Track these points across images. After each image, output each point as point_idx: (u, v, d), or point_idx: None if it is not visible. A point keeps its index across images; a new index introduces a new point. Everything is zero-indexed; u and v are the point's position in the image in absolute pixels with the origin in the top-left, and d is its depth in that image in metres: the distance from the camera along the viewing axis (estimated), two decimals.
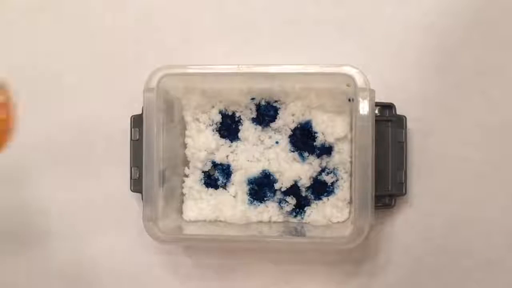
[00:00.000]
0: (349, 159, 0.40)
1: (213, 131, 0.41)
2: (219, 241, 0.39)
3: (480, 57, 0.42)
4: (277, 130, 0.41)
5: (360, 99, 0.36)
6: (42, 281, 0.43)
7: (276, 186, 0.40)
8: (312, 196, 0.41)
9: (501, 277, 0.41)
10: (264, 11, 0.43)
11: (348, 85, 0.38)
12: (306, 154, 0.40)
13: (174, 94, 0.40)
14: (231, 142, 0.41)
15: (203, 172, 0.41)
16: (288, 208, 0.41)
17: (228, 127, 0.41)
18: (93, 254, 0.43)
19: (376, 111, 0.39)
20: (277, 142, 0.41)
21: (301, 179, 0.40)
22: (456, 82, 0.42)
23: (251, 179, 0.41)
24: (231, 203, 0.41)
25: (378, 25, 0.42)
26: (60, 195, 0.43)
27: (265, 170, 0.41)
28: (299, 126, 0.41)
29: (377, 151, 0.37)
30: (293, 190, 0.41)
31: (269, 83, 0.40)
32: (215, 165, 0.41)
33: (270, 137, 0.41)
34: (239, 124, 0.41)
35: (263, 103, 0.41)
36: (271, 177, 0.41)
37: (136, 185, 0.40)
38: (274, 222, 0.41)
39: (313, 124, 0.40)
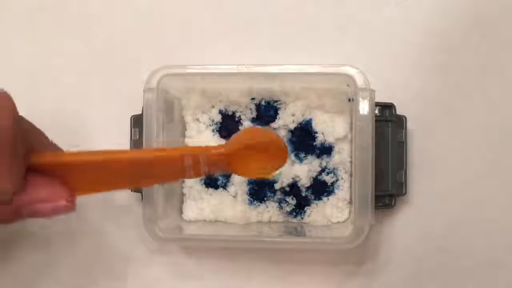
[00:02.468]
0: (349, 159, 0.40)
1: (213, 131, 0.41)
2: (219, 241, 0.39)
3: (480, 57, 0.42)
4: (277, 130, 0.41)
5: (360, 99, 0.36)
6: (41, 279, 0.43)
7: (276, 186, 0.40)
8: (312, 196, 0.41)
9: (501, 277, 0.41)
10: (264, 11, 0.43)
11: (348, 85, 0.38)
12: (306, 154, 0.40)
13: (174, 94, 0.40)
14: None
15: None
16: (288, 208, 0.41)
17: (228, 127, 0.41)
18: (92, 254, 0.43)
19: (376, 111, 0.39)
20: None
21: (301, 179, 0.40)
22: (456, 82, 0.42)
23: (251, 179, 0.41)
24: (231, 203, 0.41)
25: (378, 25, 0.42)
26: None
27: None
28: (299, 126, 0.41)
29: (377, 151, 0.37)
30: (293, 190, 0.41)
31: (269, 83, 0.40)
32: None
33: None
34: (239, 124, 0.41)
35: (263, 103, 0.41)
36: (271, 178, 0.41)
37: None
38: (274, 222, 0.41)
39: (313, 124, 0.40)
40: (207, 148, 0.33)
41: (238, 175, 0.35)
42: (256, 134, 0.35)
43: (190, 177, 0.35)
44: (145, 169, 0.32)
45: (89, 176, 0.32)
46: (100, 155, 0.31)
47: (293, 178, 0.40)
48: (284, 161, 0.34)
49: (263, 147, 0.33)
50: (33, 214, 0.30)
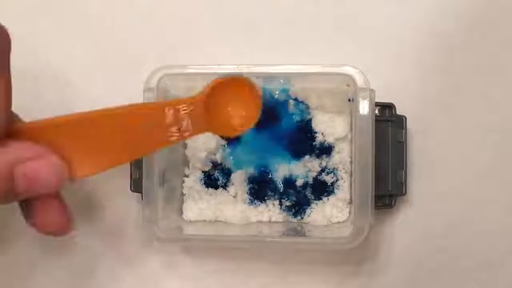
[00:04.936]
0: (349, 159, 0.40)
1: None
2: (219, 241, 0.39)
3: (480, 57, 0.42)
4: (277, 130, 0.41)
5: (360, 99, 0.36)
6: (41, 279, 0.43)
7: (276, 186, 0.40)
8: (312, 196, 0.41)
9: (501, 277, 0.41)
10: (264, 11, 0.43)
11: (348, 85, 0.38)
12: (305, 154, 0.40)
13: (174, 94, 0.40)
14: (231, 142, 0.41)
15: (203, 172, 0.41)
16: (288, 208, 0.41)
17: None
18: (92, 254, 0.43)
19: (376, 111, 0.39)
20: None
21: (300, 179, 0.40)
22: (456, 82, 0.42)
23: (251, 179, 0.41)
24: (231, 203, 0.41)
25: (378, 25, 0.42)
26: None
27: (265, 169, 0.41)
28: (298, 126, 0.41)
29: (377, 151, 0.37)
30: (293, 190, 0.41)
31: (269, 83, 0.40)
32: (215, 165, 0.41)
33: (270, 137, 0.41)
34: None
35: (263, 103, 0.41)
36: (271, 177, 0.41)
37: (136, 185, 0.40)
38: (274, 222, 0.41)
39: (313, 124, 0.40)
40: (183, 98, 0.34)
41: (219, 133, 0.37)
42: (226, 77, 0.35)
43: (175, 140, 0.33)
44: (130, 126, 0.31)
45: (78, 143, 0.30)
46: (81, 114, 0.31)
47: (293, 178, 0.40)
48: (258, 104, 0.35)
49: (236, 84, 0.34)
50: (30, 181, 0.27)
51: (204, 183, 0.41)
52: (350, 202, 0.41)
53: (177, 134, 0.33)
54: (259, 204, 0.41)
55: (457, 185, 0.41)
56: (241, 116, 0.35)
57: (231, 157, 0.41)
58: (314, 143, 0.40)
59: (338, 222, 0.40)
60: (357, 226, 0.36)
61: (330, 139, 0.40)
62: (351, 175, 0.40)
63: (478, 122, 0.41)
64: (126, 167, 0.40)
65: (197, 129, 0.34)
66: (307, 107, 0.40)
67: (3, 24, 0.30)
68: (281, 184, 0.41)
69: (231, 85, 0.34)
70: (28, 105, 0.43)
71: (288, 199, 0.41)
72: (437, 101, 0.42)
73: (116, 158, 0.32)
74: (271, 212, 0.41)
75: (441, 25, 0.42)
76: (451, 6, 0.42)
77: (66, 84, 0.44)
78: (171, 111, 0.32)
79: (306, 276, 0.42)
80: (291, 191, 0.41)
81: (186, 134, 0.33)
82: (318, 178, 0.41)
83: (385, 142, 0.39)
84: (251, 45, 0.43)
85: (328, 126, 0.40)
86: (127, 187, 0.40)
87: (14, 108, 0.31)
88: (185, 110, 0.33)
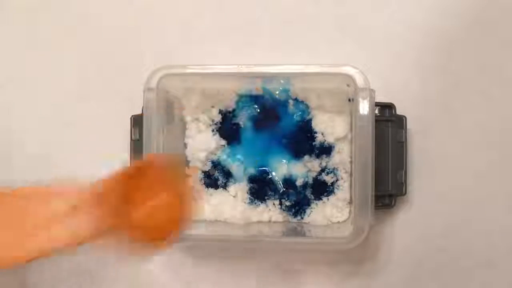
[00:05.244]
0: (349, 159, 0.40)
1: (213, 131, 0.41)
2: (219, 241, 0.39)
3: (480, 57, 0.42)
4: (277, 130, 0.41)
5: (360, 99, 0.36)
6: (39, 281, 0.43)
7: (276, 186, 0.40)
8: (312, 196, 0.41)
9: (501, 277, 0.41)
10: (264, 11, 0.43)
11: (348, 85, 0.38)
12: (305, 154, 0.40)
13: (174, 94, 0.40)
14: (231, 142, 0.41)
15: (203, 172, 0.41)
16: (288, 208, 0.41)
17: (229, 127, 0.41)
18: (92, 254, 0.43)
19: (376, 111, 0.39)
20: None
21: (300, 179, 0.40)
22: (456, 82, 0.42)
23: (251, 179, 0.41)
24: (231, 203, 0.41)
25: (378, 25, 0.42)
26: None
27: (265, 169, 0.41)
28: (298, 126, 0.41)
29: (377, 151, 0.37)
30: (293, 190, 0.41)
31: (269, 83, 0.40)
32: (215, 165, 0.41)
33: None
34: (239, 124, 0.41)
35: (263, 103, 0.41)
36: (271, 177, 0.41)
37: None
38: (274, 222, 0.41)
39: (313, 124, 0.40)
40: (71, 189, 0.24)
41: (131, 239, 0.27)
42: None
43: (61, 247, 0.25)
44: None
45: None
46: None
47: (293, 178, 0.40)
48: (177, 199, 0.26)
49: (142, 174, 0.25)
50: None
51: (204, 183, 0.41)
52: (350, 202, 0.41)
53: (63, 239, 0.24)
54: (259, 204, 0.41)
55: (457, 185, 0.41)
56: (164, 217, 0.26)
57: (231, 157, 0.41)
58: (314, 143, 0.40)
59: (338, 222, 0.40)
60: (357, 226, 0.36)
61: (330, 139, 0.40)
62: (351, 175, 0.40)
63: (478, 122, 0.41)
64: (127, 165, 0.40)
65: (96, 233, 0.26)
66: (307, 107, 0.40)
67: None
68: (281, 184, 0.41)
69: (146, 175, 0.25)
70: (26, 104, 0.44)
71: (288, 199, 0.41)
72: (437, 101, 0.42)
73: None
74: (271, 212, 0.41)
75: (441, 25, 0.42)
76: (451, 6, 0.42)
77: (66, 84, 0.43)
78: (55, 204, 0.24)
79: (306, 276, 0.42)
80: (291, 191, 0.41)
81: (80, 240, 0.25)
82: (318, 178, 0.41)
83: (385, 142, 0.39)
84: (251, 45, 0.43)
85: (328, 126, 0.40)
86: None
87: None
88: (75, 205, 0.24)
